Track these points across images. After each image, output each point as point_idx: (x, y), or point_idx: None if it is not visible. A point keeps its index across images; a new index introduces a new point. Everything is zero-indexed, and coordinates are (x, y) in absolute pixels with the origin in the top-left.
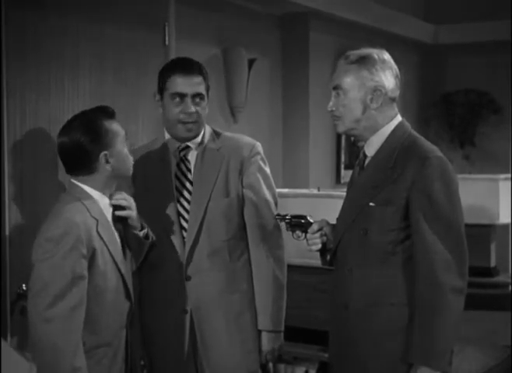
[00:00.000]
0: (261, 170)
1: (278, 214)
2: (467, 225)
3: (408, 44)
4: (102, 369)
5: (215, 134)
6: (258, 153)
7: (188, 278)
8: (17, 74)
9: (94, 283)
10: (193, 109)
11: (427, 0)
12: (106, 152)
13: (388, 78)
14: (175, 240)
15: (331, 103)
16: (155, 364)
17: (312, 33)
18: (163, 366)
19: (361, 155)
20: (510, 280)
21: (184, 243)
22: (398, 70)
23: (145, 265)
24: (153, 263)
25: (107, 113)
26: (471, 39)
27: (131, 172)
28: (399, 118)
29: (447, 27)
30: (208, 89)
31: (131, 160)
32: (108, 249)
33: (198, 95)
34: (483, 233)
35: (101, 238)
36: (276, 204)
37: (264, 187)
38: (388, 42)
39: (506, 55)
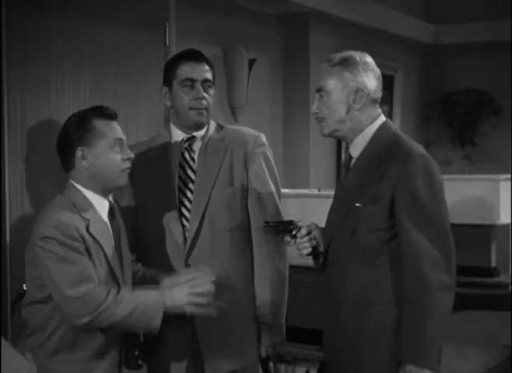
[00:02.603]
0: (266, 161)
1: (266, 221)
2: (467, 225)
3: (409, 44)
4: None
5: (219, 126)
6: (263, 144)
7: (188, 267)
8: (18, 74)
9: None
10: (204, 94)
11: (427, 0)
12: (83, 148)
13: (370, 79)
14: (175, 229)
15: (314, 106)
16: (153, 354)
17: (312, 33)
18: (161, 355)
19: (347, 157)
20: (510, 281)
21: (184, 232)
22: (379, 72)
23: (146, 255)
24: (154, 253)
25: (103, 113)
26: (471, 39)
27: (117, 180)
28: (383, 118)
29: (447, 27)
30: (214, 78)
31: (117, 167)
32: (102, 248)
33: (207, 81)
34: (484, 233)
35: (93, 237)
36: (279, 196)
37: (269, 179)
38: (388, 42)
39: (506, 55)
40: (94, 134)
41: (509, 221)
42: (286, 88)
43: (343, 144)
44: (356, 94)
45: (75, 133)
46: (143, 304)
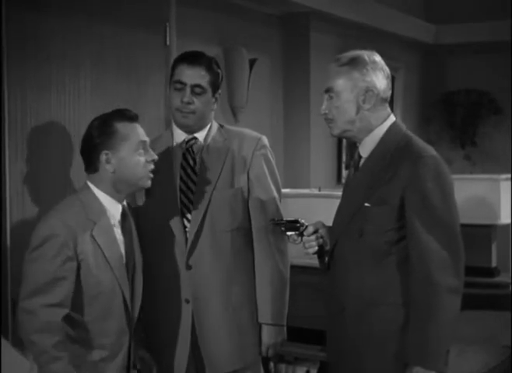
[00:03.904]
0: (268, 163)
1: (273, 219)
2: (468, 225)
3: (409, 44)
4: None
5: (221, 128)
6: (265, 146)
7: (189, 267)
8: (18, 73)
9: (84, 285)
10: (189, 99)
11: (428, 0)
12: (107, 152)
13: (379, 78)
14: (176, 230)
15: (323, 107)
16: (154, 353)
17: (313, 33)
18: (163, 355)
19: (356, 156)
20: (510, 281)
21: (185, 233)
22: (389, 71)
23: (147, 256)
24: (154, 253)
25: (124, 115)
26: (471, 39)
27: (142, 182)
28: (393, 118)
29: (447, 27)
30: (213, 84)
31: (142, 170)
32: (103, 253)
33: (198, 86)
34: (484, 233)
35: (95, 241)
36: (280, 198)
37: (270, 181)
38: (389, 42)
39: (506, 55)
40: (117, 137)
41: (509, 221)
42: (287, 88)
43: (344, 144)
44: (366, 94)
45: (98, 137)
46: None
